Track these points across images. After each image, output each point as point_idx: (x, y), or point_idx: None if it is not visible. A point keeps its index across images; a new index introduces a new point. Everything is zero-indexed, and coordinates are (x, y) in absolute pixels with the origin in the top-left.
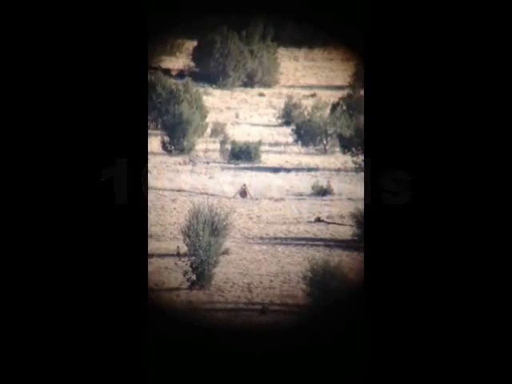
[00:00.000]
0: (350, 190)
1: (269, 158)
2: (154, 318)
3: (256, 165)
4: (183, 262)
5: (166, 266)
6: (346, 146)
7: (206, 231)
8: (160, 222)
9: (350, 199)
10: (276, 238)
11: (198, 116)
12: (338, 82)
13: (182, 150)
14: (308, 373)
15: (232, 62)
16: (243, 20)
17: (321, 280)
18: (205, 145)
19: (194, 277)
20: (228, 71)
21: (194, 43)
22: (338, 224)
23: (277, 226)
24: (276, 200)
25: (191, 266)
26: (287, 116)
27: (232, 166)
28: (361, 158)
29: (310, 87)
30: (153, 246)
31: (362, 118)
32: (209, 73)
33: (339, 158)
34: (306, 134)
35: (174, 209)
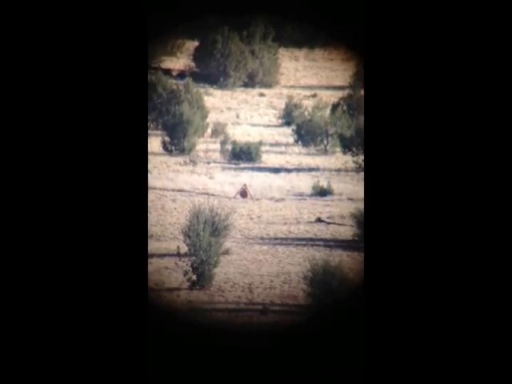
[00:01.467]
0: (351, 190)
1: (269, 158)
2: (154, 317)
3: (256, 165)
4: (183, 262)
5: (167, 265)
6: (346, 146)
7: (207, 231)
8: (160, 222)
9: (350, 199)
10: (276, 239)
11: (198, 116)
12: (339, 82)
13: (182, 151)
14: (308, 372)
15: (233, 63)
16: (244, 20)
17: (321, 280)
18: (205, 145)
19: (194, 277)
20: (229, 71)
21: (195, 43)
22: (339, 224)
23: (277, 227)
24: (276, 200)
25: (191, 266)
26: (288, 116)
27: (232, 166)
28: (361, 158)
29: (311, 87)
30: (153, 246)
31: (362, 118)
32: (209, 73)
33: (340, 158)
34: (307, 134)
35: (175, 209)
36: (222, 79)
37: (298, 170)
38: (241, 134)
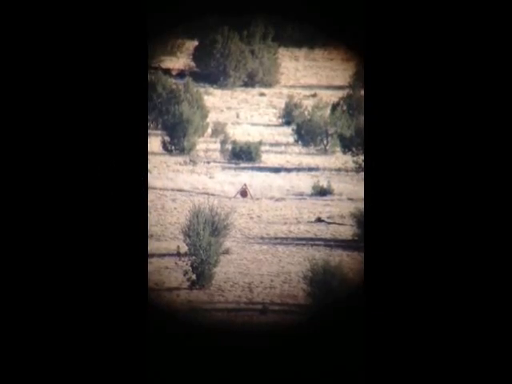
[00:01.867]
0: (351, 190)
1: (269, 158)
2: (154, 317)
3: (256, 165)
4: (183, 261)
5: (166, 265)
6: (346, 145)
7: (207, 231)
8: (160, 221)
9: (350, 199)
10: (276, 238)
11: (198, 116)
12: (339, 82)
13: (182, 150)
14: (308, 372)
15: (233, 62)
16: (244, 20)
17: (321, 280)
18: (205, 145)
19: (194, 276)
20: (229, 71)
21: (195, 43)
22: (339, 224)
23: (277, 226)
24: (276, 200)
25: (191, 265)
26: (288, 116)
27: (232, 165)
28: (361, 158)
29: (311, 87)
30: (153, 246)
31: (362, 118)
32: (209, 73)
33: (340, 158)
34: (307, 133)
35: (175, 209)
36: (221, 79)
37: (298, 169)
38: (241, 133)
